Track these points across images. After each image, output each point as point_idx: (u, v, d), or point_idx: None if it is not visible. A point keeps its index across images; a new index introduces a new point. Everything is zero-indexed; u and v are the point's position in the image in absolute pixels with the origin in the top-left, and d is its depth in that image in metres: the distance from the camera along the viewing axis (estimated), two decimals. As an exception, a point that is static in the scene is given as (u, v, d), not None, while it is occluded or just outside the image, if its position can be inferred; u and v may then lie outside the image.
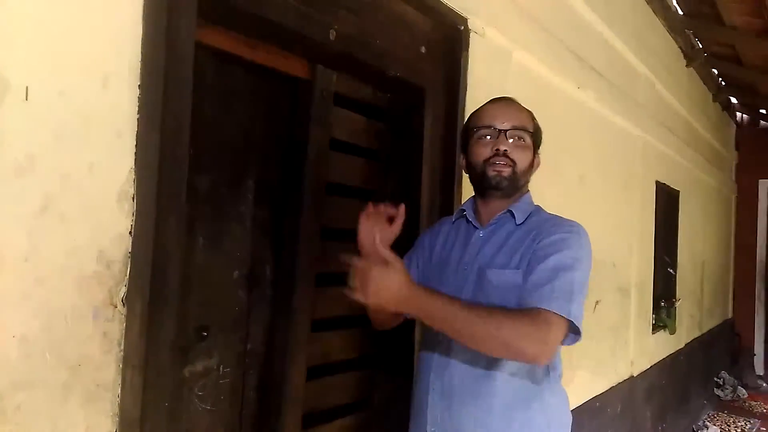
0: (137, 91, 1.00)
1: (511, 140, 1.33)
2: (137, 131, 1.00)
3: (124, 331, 0.99)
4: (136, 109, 1.00)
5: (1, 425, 0.85)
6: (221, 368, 1.51)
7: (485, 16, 2.00)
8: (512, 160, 1.34)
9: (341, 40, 1.53)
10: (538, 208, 1.42)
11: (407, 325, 1.56)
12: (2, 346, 0.85)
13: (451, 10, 1.84)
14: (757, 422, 5.05)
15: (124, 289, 0.99)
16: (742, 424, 5.01)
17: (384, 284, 1.10)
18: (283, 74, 1.57)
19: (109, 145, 0.97)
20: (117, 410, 0.98)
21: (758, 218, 6.81)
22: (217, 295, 1.51)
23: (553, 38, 2.50)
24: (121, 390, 0.98)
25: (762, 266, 6.78)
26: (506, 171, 1.34)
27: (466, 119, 1.47)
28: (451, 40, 1.90)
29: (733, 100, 6.42)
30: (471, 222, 1.42)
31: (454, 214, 1.51)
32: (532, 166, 1.39)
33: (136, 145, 1.00)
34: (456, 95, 1.89)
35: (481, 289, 1.28)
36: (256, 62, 1.49)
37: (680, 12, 4.32)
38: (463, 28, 1.90)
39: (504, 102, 1.41)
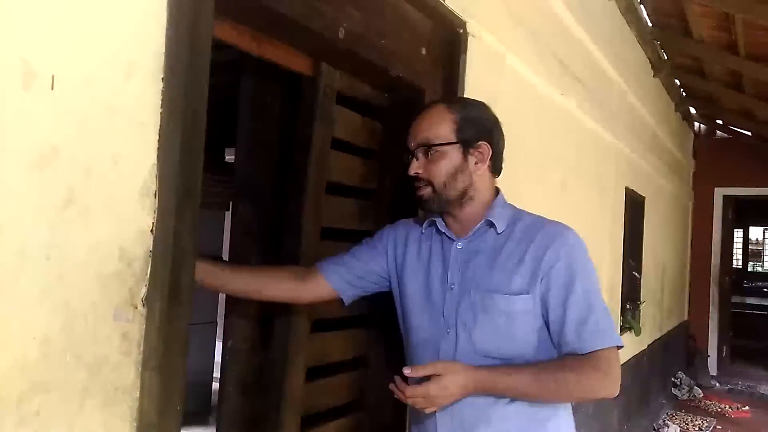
0: (161, 83, 0.96)
1: (420, 158, 1.29)
2: (160, 124, 0.96)
3: (143, 333, 0.95)
4: (160, 101, 0.96)
5: (20, 429, 0.81)
6: (221, 370, 1.47)
7: (481, 19, 2.01)
8: (427, 180, 1.28)
9: (349, 37, 1.51)
10: (515, 209, 1.35)
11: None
12: (22, 348, 0.80)
13: (451, 12, 1.84)
14: (714, 420, 5.25)
15: (144, 289, 0.95)
16: (699, 422, 5.20)
17: (449, 392, 1.15)
18: (287, 70, 1.54)
19: (133, 138, 0.93)
20: (135, 414, 0.94)
21: (713, 225, 7.11)
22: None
23: (540, 44, 2.54)
24: (140, 393, 0.94)
25: (716, 271, 7.07)
26: (426, 192, 1.29)
27: None
28: (450, 43, 1.90)
29: (692, 110, 6.66)
30: (444, 233, 1.34)
31: (424, 222, 1.39)
32: (460, 171, 1.28)
33: (158, 139, 0.96)
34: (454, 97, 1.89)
35: (486, 313, 1.25)
36: (261, 57, 1.46)
37: (649, 23, 4.45)
38: (462, 30, 1.91)
39: (418, 115, 1.35)
